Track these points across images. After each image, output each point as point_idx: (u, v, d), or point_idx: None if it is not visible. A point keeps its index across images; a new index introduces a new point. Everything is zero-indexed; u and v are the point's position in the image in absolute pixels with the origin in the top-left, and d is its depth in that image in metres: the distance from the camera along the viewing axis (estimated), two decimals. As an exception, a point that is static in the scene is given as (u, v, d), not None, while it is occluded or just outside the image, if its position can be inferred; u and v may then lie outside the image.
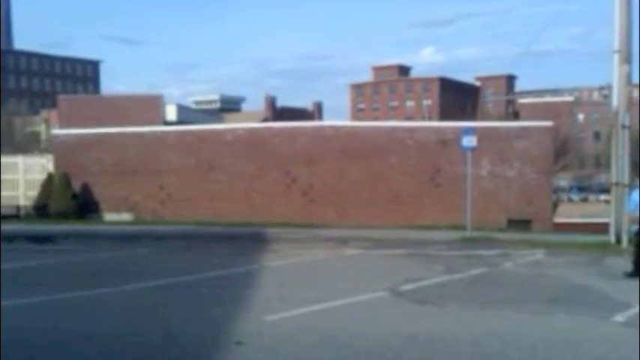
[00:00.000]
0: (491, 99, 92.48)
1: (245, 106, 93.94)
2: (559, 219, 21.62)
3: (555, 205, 21.50)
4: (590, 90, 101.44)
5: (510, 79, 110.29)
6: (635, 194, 11.41)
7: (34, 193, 22.95)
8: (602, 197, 51.13)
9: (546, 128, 20.20)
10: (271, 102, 80.00)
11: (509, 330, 7.09)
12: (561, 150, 29.14)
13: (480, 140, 17.88)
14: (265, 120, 58.29)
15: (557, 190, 22.32)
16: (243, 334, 6.80)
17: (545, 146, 19.76)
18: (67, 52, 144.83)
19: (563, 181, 43.25)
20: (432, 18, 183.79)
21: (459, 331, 7.04)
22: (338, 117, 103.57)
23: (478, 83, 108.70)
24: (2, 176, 24.15)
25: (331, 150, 20.26)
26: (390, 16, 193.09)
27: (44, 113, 60.64)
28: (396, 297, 8.91)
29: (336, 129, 21.40)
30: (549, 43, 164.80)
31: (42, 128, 54.68)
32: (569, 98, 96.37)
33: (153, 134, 22.61)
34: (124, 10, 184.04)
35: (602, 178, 62.63)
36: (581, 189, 63.39)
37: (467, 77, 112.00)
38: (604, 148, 71.60)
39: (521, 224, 18.64)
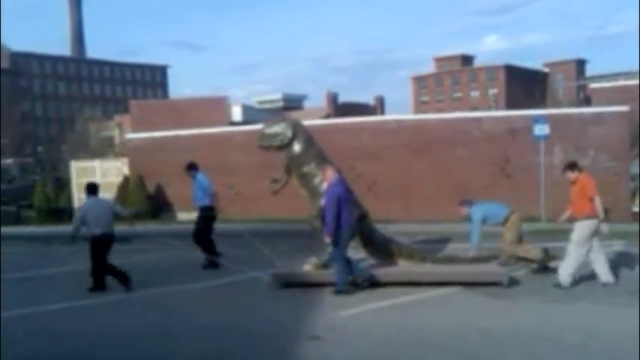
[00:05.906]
0: (561, 85, 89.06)
1: (307, 104, 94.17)
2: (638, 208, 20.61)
3: (634, 194, 20.50)
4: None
5: (580, 64, 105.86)
6: None
7: (111, 195, 23.98)
8: None
9: (622, 113, 19.33)
10: (333, 98, 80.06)
11: (590, 323, 6.87)
12: (637, 136, 27.65)
13: (551, 128, 17.33)
14: (328, 116, 58.45)
15: (634, 178, 21.28)
16: (318, 329, 6.90)
17: (621, 132, 18.93)
18: (137, 59, 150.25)
19: (640, 167, 41.20)
20: (494, 5, 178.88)
21: (537, 325, 6.87)
22: (401, 110, 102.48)
23: (546, 69, 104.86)
24: (81, 179, 25.35)
25: (395, 144, 20.12)
26: (449, 6, 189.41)
27: (117, 118, 63.06)
28: (470, 291, 8.78)
29: (400, 122, 21.23)
30: (621, 25, 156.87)
31: (115, 133, 56.94)
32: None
33: (220, 135, 23.17)
34: (188, 17, 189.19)
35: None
36: None
37: (534, 64, 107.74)
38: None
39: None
